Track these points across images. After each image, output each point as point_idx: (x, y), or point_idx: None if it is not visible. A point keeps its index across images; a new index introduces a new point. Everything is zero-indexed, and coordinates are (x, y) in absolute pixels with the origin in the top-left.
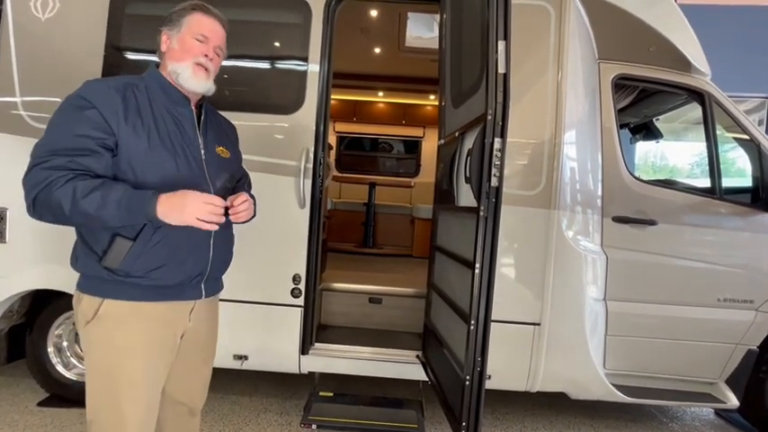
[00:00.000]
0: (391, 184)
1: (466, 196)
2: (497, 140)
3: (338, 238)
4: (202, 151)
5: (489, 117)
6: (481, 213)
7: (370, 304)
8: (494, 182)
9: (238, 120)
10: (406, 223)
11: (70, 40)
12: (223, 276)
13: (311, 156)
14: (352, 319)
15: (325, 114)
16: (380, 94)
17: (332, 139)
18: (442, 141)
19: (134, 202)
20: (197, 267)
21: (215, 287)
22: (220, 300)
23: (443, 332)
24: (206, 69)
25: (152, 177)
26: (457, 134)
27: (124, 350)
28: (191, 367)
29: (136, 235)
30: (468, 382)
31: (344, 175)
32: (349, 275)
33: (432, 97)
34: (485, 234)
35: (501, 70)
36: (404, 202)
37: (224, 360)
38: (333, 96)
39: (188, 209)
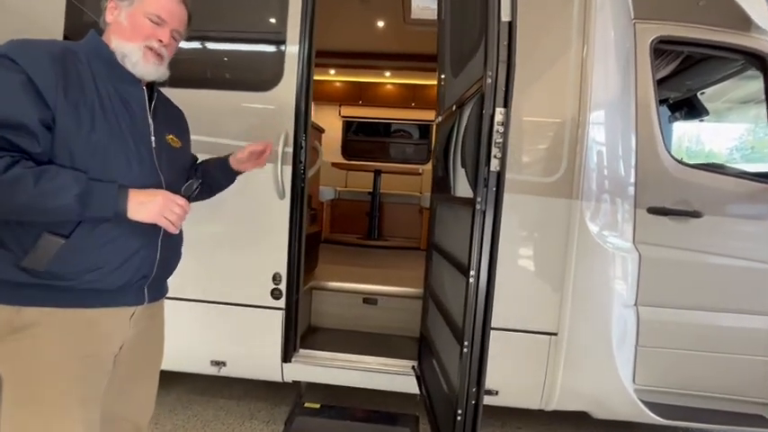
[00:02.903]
0: (397, 172)
1: (462, 184)
2: (499, 111)
3: (342, 229)
4: (153, 138)
5: (489, 80)
6: (477, 206)
7: (364, 305)
8: (494, 165)
9: (206, 99)
10: (415, 213)
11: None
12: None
13: (291, 139)
14: (343, 322)
15: (308, 91)
16: (387, 74)
17: (337, 124)
18: (440, 119)
19: (99, 196)
20: (141, 269)
21: (159, 291)
22: (196, 300)
23: (438, 345)
24: (159, 55)
25: (94, 166)
26: (454, 107)
27: (52, 367)
28: (133, 379)
29: (70, 231)
30: (459, 417)
31: (349, 162)
32: (343, 272)
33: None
34: (482, 232)
35: (505, 18)
36: (413, 190)
37: (201, 366)
38: (336, 78)
39: (158, 207)
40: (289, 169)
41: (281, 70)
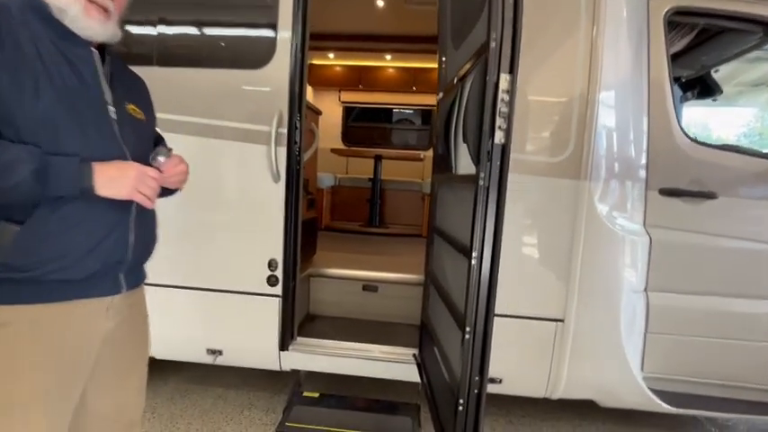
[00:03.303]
0: (399, 158)
1: (465, 160)
2: (504, 77)
3: (342, 216)
4: (111, 108)
5: (493, 43)
6: (481, 182)
7: (363, 292)
8: (498, 137)
9: (196, 78)
10: (416, 200)
11: None
12: (195, 265)
13: (285, 119)
14: (343, 309)
15: (302, 68)
16: (388, 57)
17: (337, 110)
18: (441, 95)
19: (59, 172)
20: (114, 255)
21: (137, 277)
22: (189, 288)
23: (440, 333)
24: (104, 9)
25: (45, 140)
26: (455, 80)
27: (16, 372)
28: (120, 374)
29: (26, 216)
30: (461, 407)
31: (349, 148)
32: (343, 259)
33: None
34: (485, 210)
35: None
36: (414, 177)
37: (197, 354)
38: (335, 62)
39: (131, 181)
40: (283, 151)
41: (274, 46)
